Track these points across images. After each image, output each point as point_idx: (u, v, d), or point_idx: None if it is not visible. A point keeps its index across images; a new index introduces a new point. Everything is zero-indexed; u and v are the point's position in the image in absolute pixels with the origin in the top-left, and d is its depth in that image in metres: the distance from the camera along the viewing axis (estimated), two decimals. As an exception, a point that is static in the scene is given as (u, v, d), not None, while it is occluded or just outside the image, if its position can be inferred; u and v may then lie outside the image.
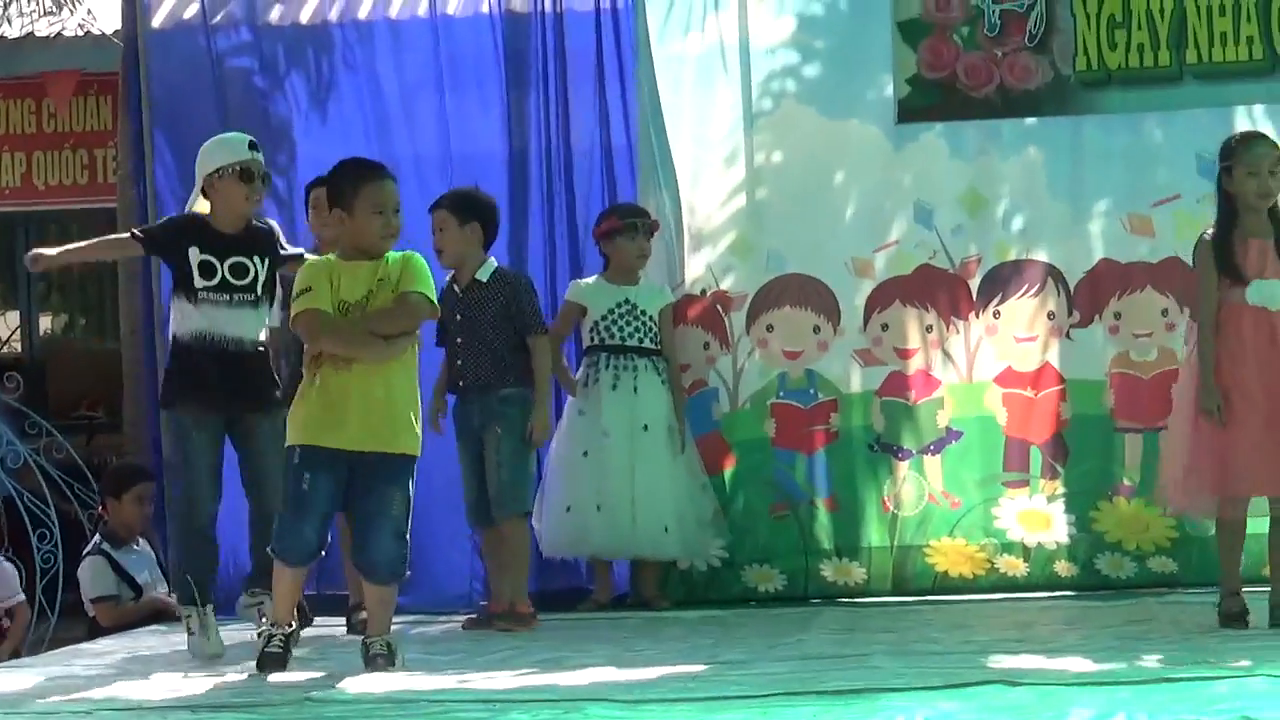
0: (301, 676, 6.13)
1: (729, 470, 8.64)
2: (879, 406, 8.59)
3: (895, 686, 5.36)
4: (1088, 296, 8.55)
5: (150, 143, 8.95)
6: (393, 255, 6.35)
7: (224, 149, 6.92)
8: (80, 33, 11.80)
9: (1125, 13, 8.53)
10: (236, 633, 7.04)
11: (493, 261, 7.84)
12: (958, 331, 8.58)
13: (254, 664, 6.25)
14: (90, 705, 5.59)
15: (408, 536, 6.29)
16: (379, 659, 6.23)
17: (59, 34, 11.89)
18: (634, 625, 7.71)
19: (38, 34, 11.91)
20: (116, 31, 9.80)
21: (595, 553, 8.44)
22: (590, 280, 8.48)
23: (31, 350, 13.30)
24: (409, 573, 6.38)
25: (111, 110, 11.95)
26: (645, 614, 8.14)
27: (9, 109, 12.70)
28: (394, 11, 9.00)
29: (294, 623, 6.38)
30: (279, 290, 7.00)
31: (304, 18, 9.05)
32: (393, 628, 6.40)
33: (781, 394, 8.65)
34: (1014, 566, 8.53)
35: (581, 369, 8.44)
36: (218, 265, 6.79)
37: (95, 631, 8.57)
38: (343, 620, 7.75)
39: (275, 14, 9.05)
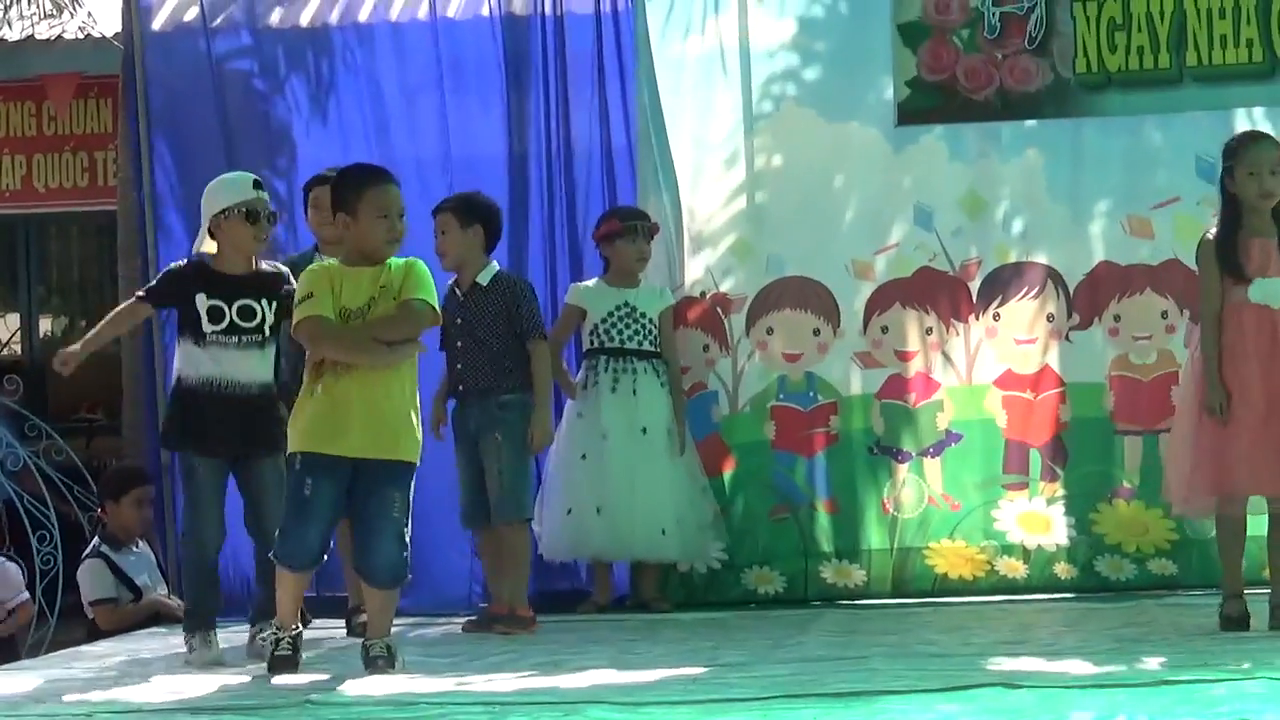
0: (302, 679, 6.12)
1: (729, 473, 8.64)
2: (879, 409, 8.58)
3: (895, 689, 5.36)
4: (1087, 299, 8.55)
5: (150, 146, 8.94)
6: (395, 262, 6.33)
7: (228, 190, 6.88)
8: (80, 35, 11.78)
9: (1125, 15, 8.53)
10: (236, 634, 7.04)
11: (494, 265, 7.82)
12: (957, 334, 8.58)
13: (254, 666, 6.24)
14: (90, 708, 5.58)
15: (409, 540, 6.29)
16: (379, 661, 6.23)
17: (59, 37, 11.87)
18: (634, 627, 7.70)
19: (38, 37, 11.89)
20: (117, 34, 9.78)
21: (595, 555, 8.44)
22: (590, 283, 8.48)
23: (31, 353, 13.26)
24: (410, 576, 6.38)
25: (112, 113, 11.93)
26: (645, 616, 8.13)
27: (9, 111, 12.67)
28: (394, 14, 8.99)
29: (298, 625, 6.38)
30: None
31: (304, 20, 9.04)
32: (392, 630, 6.40)
33: (781, 396, 8.65)
34: (1014, 569, 8.53)
35: (581, 372, 8.44)
36: (226, 309, 6.77)
37: (95, 634, 8.55)
38: (342, 623, 7.75)
39: (275, 17, 9.04)
